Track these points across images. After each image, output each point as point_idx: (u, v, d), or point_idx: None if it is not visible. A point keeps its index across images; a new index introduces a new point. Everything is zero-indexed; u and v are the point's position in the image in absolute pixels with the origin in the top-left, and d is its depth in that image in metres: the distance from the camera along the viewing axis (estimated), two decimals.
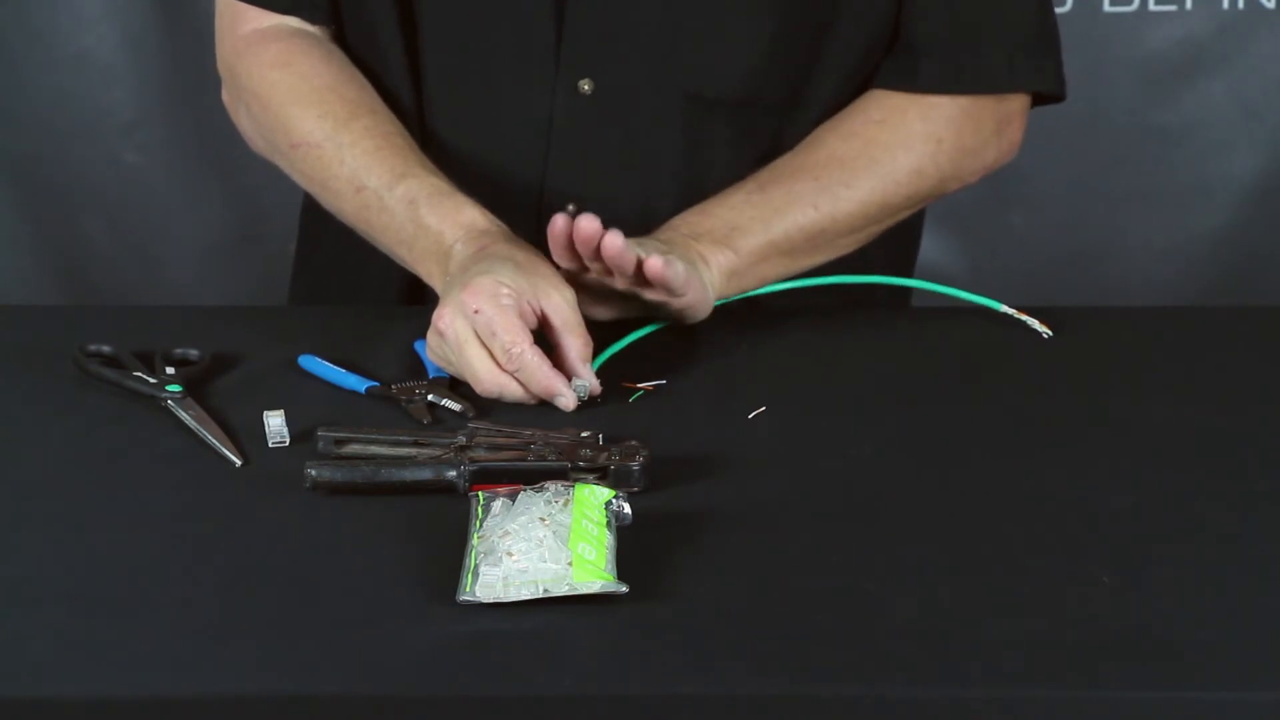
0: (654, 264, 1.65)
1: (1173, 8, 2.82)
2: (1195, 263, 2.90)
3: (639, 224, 1.78)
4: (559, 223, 1.66)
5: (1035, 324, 1.78)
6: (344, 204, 1.82)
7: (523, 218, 1.81)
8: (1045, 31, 1.89)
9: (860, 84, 1.89)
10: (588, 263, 1.67)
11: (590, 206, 1.82)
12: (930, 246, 2.78)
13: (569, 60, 1.84)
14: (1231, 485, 1.49)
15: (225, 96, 1.95)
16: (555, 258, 1.68)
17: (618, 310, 1.74)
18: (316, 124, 1.83)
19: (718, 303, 1.76)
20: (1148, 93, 2.85)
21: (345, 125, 1.82)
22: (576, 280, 1.70)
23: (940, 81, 1.86)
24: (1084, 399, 1.66)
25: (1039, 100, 1.93)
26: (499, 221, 1.74)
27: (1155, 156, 2.87)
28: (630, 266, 1.65)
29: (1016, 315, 1.79)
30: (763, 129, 1.88)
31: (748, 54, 1.85)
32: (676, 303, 1.71)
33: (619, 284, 1.69)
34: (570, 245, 1.66)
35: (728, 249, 1.77)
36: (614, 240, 1.64)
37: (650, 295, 1.69)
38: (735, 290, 1.78)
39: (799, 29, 1.85)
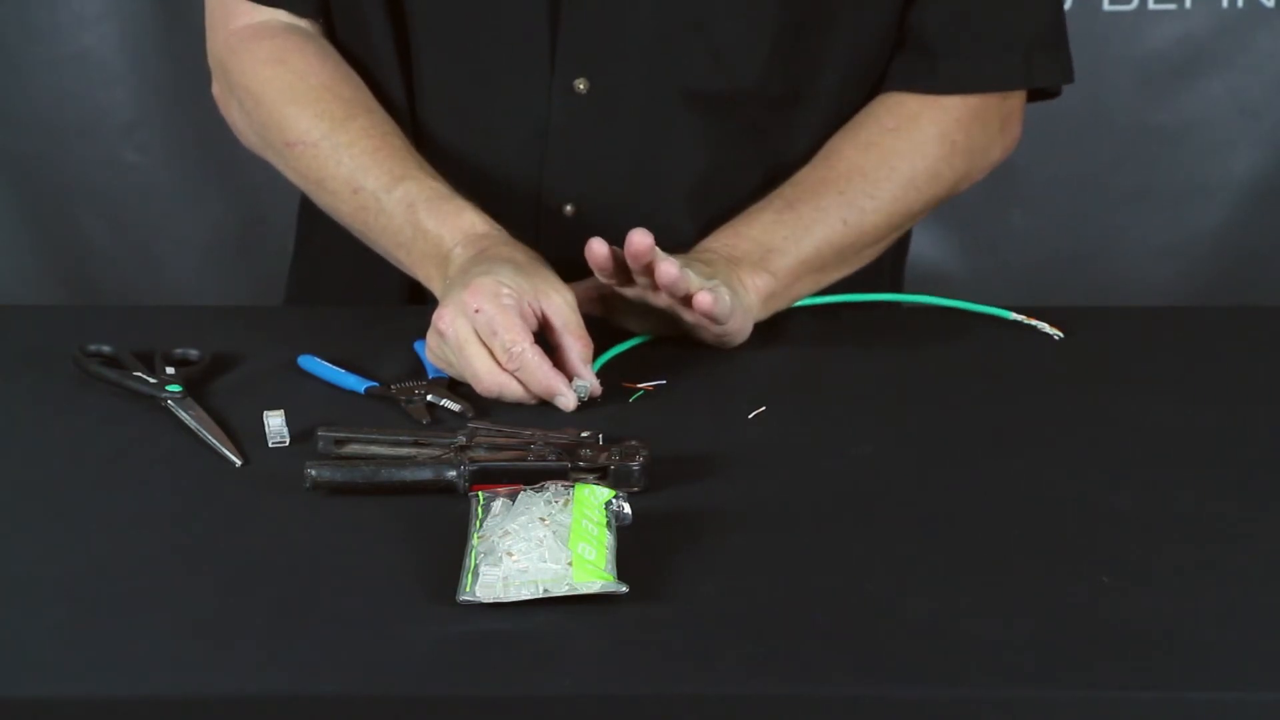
0: (703, 300, 1.65)
1: (1172, 6, 2.83)
2: (1194, 262, 2.90)
3: (638, 226, 1.78)
4: (597, 249, 1.66)
5: (1045, 327, 1.78)
6: (340, 204, 1.82)
7: (520, 218, 1.81)
8: (1057, 24, 1.90)
9: (864, 81, 1.89)
10: (636, 277, 1.67)
11: (588, 207, 1.83)
12: (930, 246, 2.79)
13: (564, 59, 1.84)
14: (1232, 485, 1.49)
15: (215, 90, 1.94)
16: (597, 273, 1.68)
17: (655, 328, 1.74)
18: (313, 123, 1.82)
19: None
20: (1147, 92, 2.85)
21: (342, 125, 1.82)
22: (616, 292, 1.70)
23: (960, 81, 1.86)
24: (1083, 399, 1.66)
25: (1035, 96, 1.93)
26: (498, 225, 1.74)
27: (1154, 156, 2.87)
28: (682, 291, 1.66)
29: (1026, 321, 1.79)
30: (765, 126, 1.88)
31: (747, 50, 1.84)
32: (715, 329, 1.70)
33: (660, 301, 1.69)
34: (612, 264, 1.67)
35: (765, 273, 1.76)
36: (668, 269, 1.64)
37: (690, 317, 1.69)
38: (769, 313, 1.77)
39: (798, 24, 1.84)
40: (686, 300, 1.67)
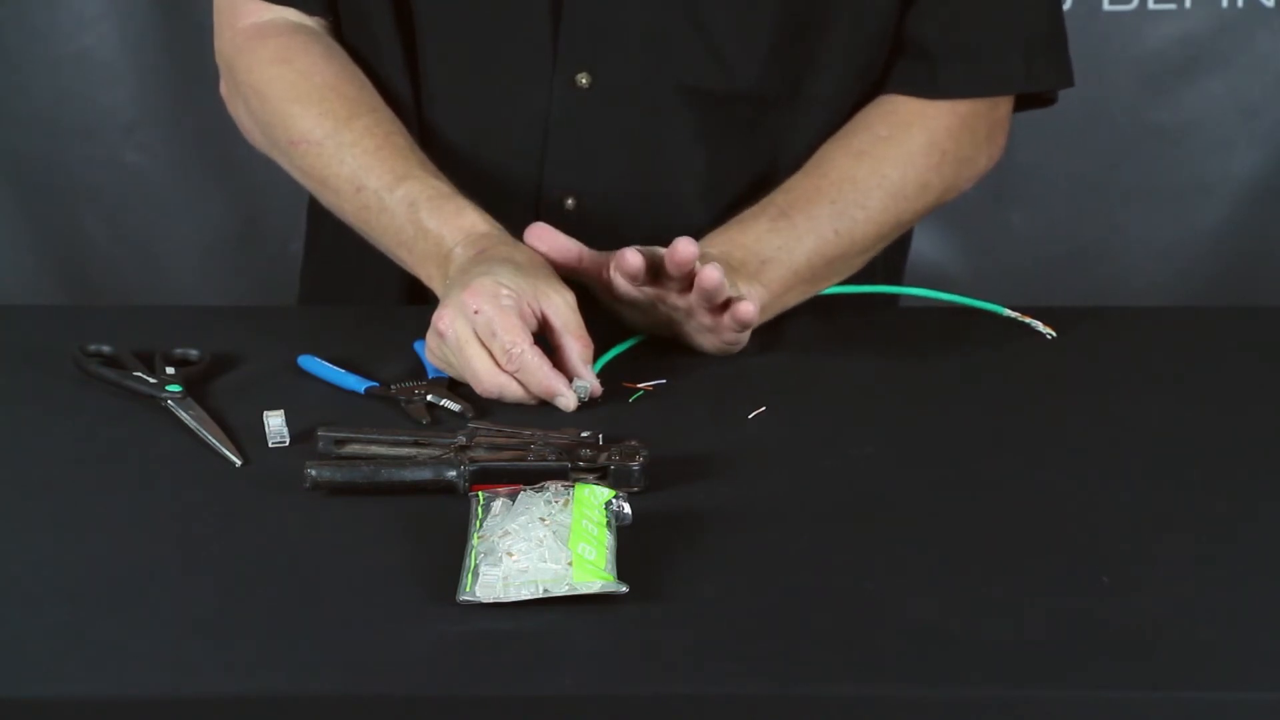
0: (746, 310, 1.66)
1: (1172, 6, 2.82)
2: (1194, 261, 2.90)
3: (638, 220, 1.78)
4: (632, 260, 1.65)
5: (1039, 326, 1.78)
6: (343, 203, 1.82)
7: (520, 212, 1.81)
8: (1056, 27, 1.90)
9: (862, 79, 1.89)
10: (665, 283, 1.67)
11: (589, 200, 1.83)
12: (930, 245, 2.79)
13: (566, 54, 1.84)
14: (1231, 485, 1.49)
15: (223, 88, 1.95)
16: (622, 287, 1.69)
17: (647, 323, 1.73)
18: (317, 122, 1.83)
19: None
20: (1147, 91, 2.85)
21: (346, 124, 1.82)
22: (606, 283, 1.70)
23: (961, 84, 1.86)
24: (1083, 399, 1.66)
25: (1031, 104, 1.93)
26: (499, 225, 1.74)
27: (1154, 155, 2.87)
28: (722, 298, 1.65)
29: (1020, 318, 1.79)
30: (764, 123, 1.88)
31: (746, 47, 1.85)
32: (734, 338, 1.70)
33: (680, 302, 1.68)
34: (645, 274, 1.66)
35: (759, 284, 1.76)
36: (712, 274, 1.64)
37: (709, 319, 1.68)
38: (759, 323, 1.77)
39: (797, 23, 1.84)
40: (719, 307, 1.66)
